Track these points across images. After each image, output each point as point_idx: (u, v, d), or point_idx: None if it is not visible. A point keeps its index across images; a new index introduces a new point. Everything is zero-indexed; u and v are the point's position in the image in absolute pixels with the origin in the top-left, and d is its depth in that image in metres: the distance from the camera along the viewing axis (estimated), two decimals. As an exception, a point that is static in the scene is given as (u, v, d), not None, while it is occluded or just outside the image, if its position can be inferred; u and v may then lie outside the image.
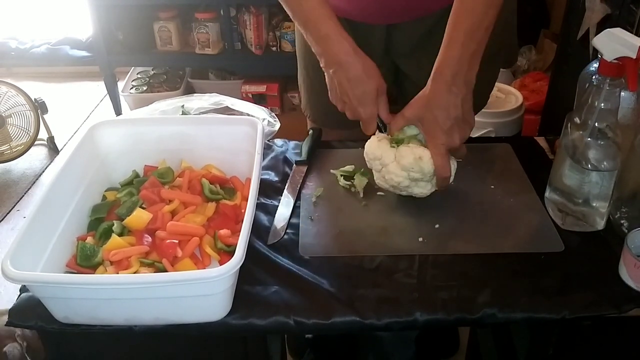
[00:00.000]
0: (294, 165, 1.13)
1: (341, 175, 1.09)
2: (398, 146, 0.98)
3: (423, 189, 1.00)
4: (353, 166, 1.10)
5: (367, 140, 1.03)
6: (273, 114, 1.26)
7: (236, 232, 0.89)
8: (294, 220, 1.00)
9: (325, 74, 1.04)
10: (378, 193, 1.05)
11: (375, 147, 0.98)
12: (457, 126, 0.95)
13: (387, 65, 1.25)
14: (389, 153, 0.97)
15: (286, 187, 1.06)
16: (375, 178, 1.02)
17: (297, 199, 1.03)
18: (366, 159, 1.01)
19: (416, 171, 0.96)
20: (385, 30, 1.18)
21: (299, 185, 1.07)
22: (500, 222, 0.99)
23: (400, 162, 0.96)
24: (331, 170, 1.11)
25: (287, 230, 0.98)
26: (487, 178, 1.09)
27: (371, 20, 1.16)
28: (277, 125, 1.22)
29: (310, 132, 1.21)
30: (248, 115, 1.21)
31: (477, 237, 0.95)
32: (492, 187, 1.07)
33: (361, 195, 1.05)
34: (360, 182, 1.06)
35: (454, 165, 0.98)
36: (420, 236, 0.95)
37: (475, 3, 0.93)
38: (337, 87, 1.02)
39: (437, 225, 0.98)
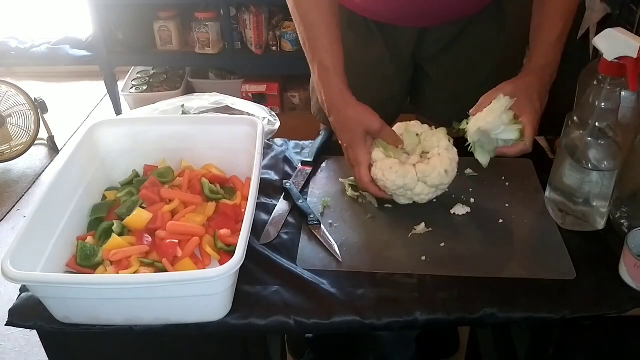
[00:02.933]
0: (299, 164, 1.13)
1: (349, 185, 1.07)
2: (414, 165, 0.96)
3: (442, 193, 1.01)
4: None
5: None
6: (273, 113, 1.26)
7: (236, 232, 0.89)
8: (294, 221, 1.00)
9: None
10: (386, 205, 1.03)
11: (395, 177, 0.95)
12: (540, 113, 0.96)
13: (410, 69, 1.25)
14: (410, 177, 0.95)
15: (289, 185, 1.06)
16: (396, 199, 1.00)
17: (299, 199, 1.02)
18: (388, 192, 0.98)
19: (445, 184, 0.97)
20: (417, 33, 1.17)
21: (301, 187, 1.07)
22: (510, 245, 0.94)
23: (428, 181, 0.95)
24: (340, 180, 1.09)
25: (287, 231, 0.98)
26: (502, 195, 1.04)
27: (404, 22, 1.15)
28: (277, 124, 1.22)
29: (322, 133, 1.20)
30: (248, 114, 1.21)
31: (483, 259, 0.91)
32: (507, 205, 1.02)
33: (375, 205, 1.03)
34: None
35: (451, 166, 0.97)
36: (424, 254, 0.92)
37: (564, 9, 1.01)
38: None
39: (442, 244, 0.94)
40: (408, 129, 1.01)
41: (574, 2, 1.02)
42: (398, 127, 1.02)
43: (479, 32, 1.17)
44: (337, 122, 1.01)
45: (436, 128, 1.02)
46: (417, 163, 0.97)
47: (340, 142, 1.02)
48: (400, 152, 1.00)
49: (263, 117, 1.20)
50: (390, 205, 1.03)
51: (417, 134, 1.01)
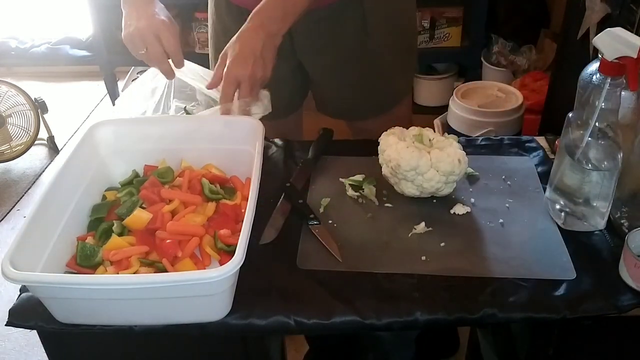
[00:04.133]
0: (300, 164, 1.13)
1: (349, 185, 1.07)
2: (429, 152, 0.98)
3: (451, 189, 1.02)
4: (363, 175, 1.08)
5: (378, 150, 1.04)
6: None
7: (236, 232, 0.89)
8: (293, 221, 1.00)
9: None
10: (386, 205, 1.03)
11: (410, 157, 0.96)
12: (254, 62, 1.01)
13: (291, 58, 1.29)
14: (424, 160, 0.96)
15: (288, 186, 1.06)
16: (403, 187, 1.01)
17: (298, 199, 1.02)
18: (397, 171, 0.98)
19: (456, 174, 0.98)
20: None
21: (301, 187, 1.07)
22: (510, 244, 0.93)
23: (440, 168, 0.97)
24: (340, 179, 1.09)
25: (287, 231, 0.98)
26: (503, 194, 1.04)
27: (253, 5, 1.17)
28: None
29: (321, 132, 1.20)
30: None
31: (484, 259, 0.91)
32: (507, 205, 1.01)
33: (376, 203, 1.03)
34: (370, 191, 1.05)
35: (464, 158, 0.99)
36: (424, 254, 0.92)
37: None
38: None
39: (443, 244, 0.94)
40: (422, 132, 1.04)
41: None
42: (413, 129, 1.05)
43: (344, 32, 1.22)
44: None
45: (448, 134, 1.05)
46: (431, 151, 0.99)
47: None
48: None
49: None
50: (390, 205, 1.03)
51: (430, 139, 1.03)
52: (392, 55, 1.29)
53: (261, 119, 1.09)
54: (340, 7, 1.19)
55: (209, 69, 1.27)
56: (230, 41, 1.04)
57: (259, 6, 1.05)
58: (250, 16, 1.04)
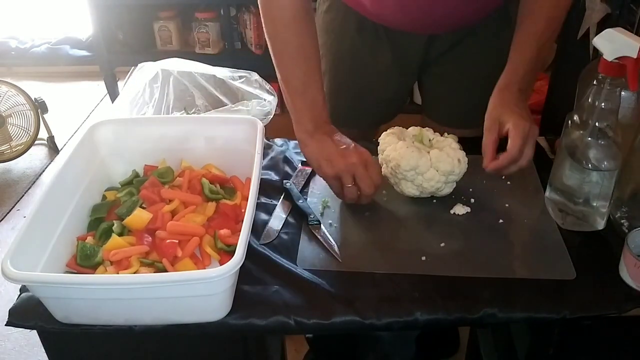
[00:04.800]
0: (299, 164, 1.13)
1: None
2: (429, 152, 0.98)
3: (451, 189, 1.02)
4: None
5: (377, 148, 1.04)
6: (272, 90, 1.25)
7: (236, 232, 0.89)
8: (294, 221, 1.00)
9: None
10: (386, 205, 1.03)
11: (409, 157, 0.96)
12: (529, 118, 0.95)
13: (415, 74, 1.27)
14: (424, 160, 0.97)
15: (289, 185, 1.05)
16: (403, 187, 1.01)
17: (299, 199, 1.02)
18: (397, 171, 0.98)
19: (456, 174, 0.98)
20: (426, 39, 1.19)
21: (301, 187, 1.07)
22: (510, 245, 0.94)
23: (440, 167, 0.97)
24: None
25: (287, 231, 0.98)
26: (502, 195, 1.04)
27: (414, 29, 1.16)
28: (275, 101, 1.22)
29: None
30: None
31: (483, 259, 0.91)
32: (507, 205, 1.01)
33: (385, 198, 1.03)
34: None
35: (463, 158, 0.99)
36: (424, 254, 0.91)
37: (539, 23, 1.00)
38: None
39: (442, 244, 0.94)
40: (422, 132, 1.04)
41: (558, 8, 1.02)
42: (413, 129, 1.05)
43: (484, 36, 1.18)
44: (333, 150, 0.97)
45: (447, 133, 1.05)
46: (431, 151, 0.99)
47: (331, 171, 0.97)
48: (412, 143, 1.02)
49: (264, 99, 1.21)
50: (390, 205, 1.03)
51: (430, 139, 1.04)
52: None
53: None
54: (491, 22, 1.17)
55: (242, 69, 1.24)
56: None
57: (519, 70, 1.01)
58: (509, 79, 1.00)
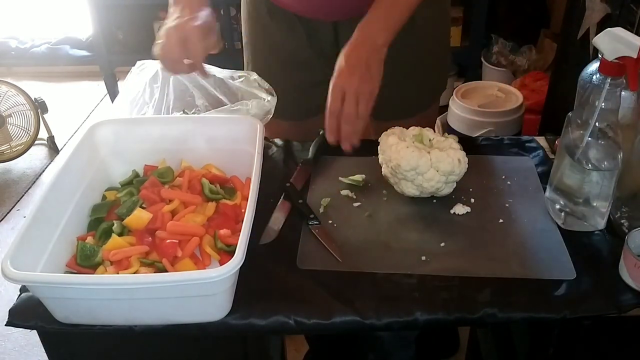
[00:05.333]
0: (299, 164, 1.13)
1: (347, 184, 1.07)
2: (429, 152, 0.98)
3: (451, 189, 1.02)
4: (363, 175, 1.08)
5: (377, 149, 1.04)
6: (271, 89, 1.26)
7: (236, 232, 0.89)
8: (294, 221, 1.00)
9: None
10: (386, 205, 1.03)
11: (410, 157, 0.96)
12: (360, 73, 0.98)
13: (332, 59, 1.26)
14: (424, 160, 0.96)
15: (288, 186, 1.06)
16: (403, 187, 1.01)
17: (299, 199, 1.02)
18: (397, 171, 0.98)
19: (456, 174, 0.98)
20: (332, 27, 1.21)
21: (301, 187, 1.07)
22: (510, 245, 0.93)
23: (440, 168, 0.97)
24: (339, 178, 1.09)
25: (287, 231, 0.98)
26: (503, 195, 1.04)
27: (317, 16, 1.19)
28: (275, 100, 1.22)
29: (321, 132, 1.20)
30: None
31: (483, 259, 0.90)
32: (507, 205, 1.01)
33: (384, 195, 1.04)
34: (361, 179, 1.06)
35: (464, 158, 0.99)
36: (424, 254, 0.91)
37: None
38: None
39: (442, 244, 0.94)
40: (422, 132, 1.04)
41: None
42: (413, 129, 1.05)
43: None
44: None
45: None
46: (431, 151, 0.99)
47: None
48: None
49: (264, 99, 1.21)
50: (390, 205, 1.03)
51: (430, 139, 1.04)
52: (431, 52, 1.28)
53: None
54: None
55: (242, 69, 1.27)
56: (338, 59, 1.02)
57: (362, 21, 1.02)
58: (355, 31, 1.02)
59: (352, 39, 1.02)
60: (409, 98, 1.30)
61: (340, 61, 1.00)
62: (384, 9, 1.03)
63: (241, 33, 2.78)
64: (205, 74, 1.07)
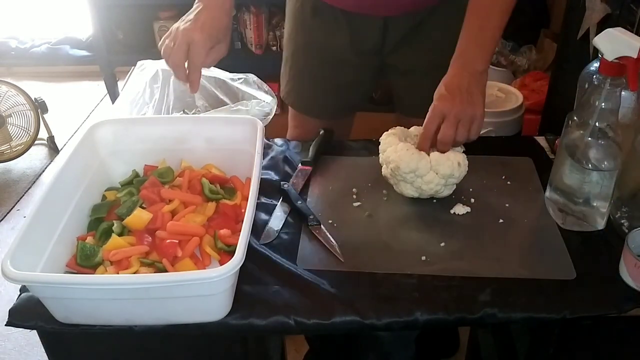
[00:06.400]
0: (299, 164, 1.13)
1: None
2: (429, 154, 0.98)
3: (450, 190, 1.02)
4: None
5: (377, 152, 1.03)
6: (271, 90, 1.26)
7: (236, 232, 0.89)
8: (294, 221, 1.00)
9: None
10: (386, 205, 1.03)
11: (409, 159, 0.96)
12: (461, 97, 0.97)
13: (375, 60, 1.27)
14: (423, 163, 0.96)
15: (287, 187, 1.06)
16: (402, 188, 1.01)
17: (298, 200, 1.02)
18: (396, 172, 0.98)
19: (456, 177, 0.98)
20: (382, 23, 1.19)
21: (301, 187, 1.07)
22: (510, 245, 0.94)
23: (439, 171, 0.97)
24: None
25: (287, 231, 0.98)
26: (503, 195, 1.04)
27: (371, 11, 1.17)
28: (274, 102, 1.22)
29: (321, 132, 1.20)
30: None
31: (483, 259, 0.90)
32: (507, 205, 1.01)
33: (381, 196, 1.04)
34: None
35: (464, 161, 0.99)
36: (424, 254, 0.91)
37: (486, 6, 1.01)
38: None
39: (442, 244, 0.94)
40: None
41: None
42: (415, 129, 1.05)
43: (442, 20, 1.19)
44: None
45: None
46: (431, 153, 0.99)
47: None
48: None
49: (264, 100, 1.21)
50: (390, 205, 1.03)
51: None
52: None
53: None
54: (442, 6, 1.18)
55: (242, 69, 1.26)
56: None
57: (458, 48, 1.02)
58: (452, 60, 1.02)
59: (451, 68, 1.01)
60: None
61: (440, 88, 0.99)
62: (474, 35, 1.02)
63: (242, 33, 2.79)
64: (193, 90, 1.03)
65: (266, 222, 0.99)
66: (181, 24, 1.02)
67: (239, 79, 1.27)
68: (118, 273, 0.85)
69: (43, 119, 2.69)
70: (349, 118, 1.42)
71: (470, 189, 1.05)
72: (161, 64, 1.26)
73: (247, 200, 0.85)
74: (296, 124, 1.40)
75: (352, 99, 1.35)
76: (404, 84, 1.30)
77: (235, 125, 1.05)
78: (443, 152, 0.98)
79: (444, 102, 0.97)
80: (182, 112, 1.26)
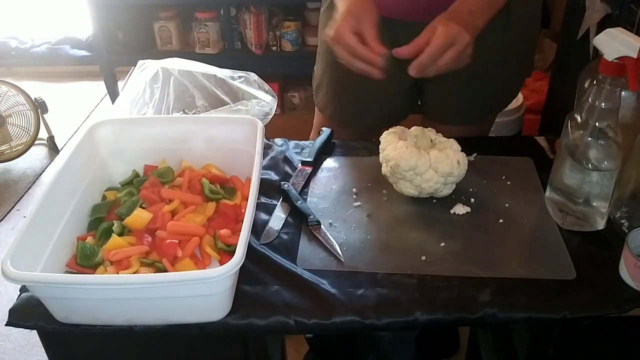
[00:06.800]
0: (299, 164, 1.13)
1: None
2: (428, 152, 0.98)
3: (450, 190, 1.02)
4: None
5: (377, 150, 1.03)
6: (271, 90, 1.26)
7: (236, 232, 0.89)
8: (294, 221, 1.00)
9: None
10: (386, 204, 1.03)
11: (409, 157, 0.96)
12: (456, 22, 0.95)
13: (412, 82, 1.25)
14: (423, 161, 0.96)
15: (287, 187, 1.06)
16: (401, 186, 1.01)
17: (298, 200, 1.02)
18: (395, 170, 0.98)
19: (455, 175, 0.98)
20: (422, 29, 1.18)
21: (301, 187, 1.07)
22: (510, 245, 0.94)
23: (439, 169, 0.97)
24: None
25: (287, 231, 0.98)
26: (502, 195, 1.03)
27: (412, 17, 1.15)
28: (274, 102, 1.22)
29: (322, 132, 1.20)
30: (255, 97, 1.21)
31: (483, 259, 0.90)
32: (507, 205, 1.01)
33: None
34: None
35: (463, 160, 0.99)
36: (424, 254, 0.91)
37: None
38: None
39: (442, 244, 0.94)
40: (424, 133, 1.04)
41: None
42: (415, 129, 1.05)
43: (481, 32, 1.17)
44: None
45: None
46: (431, 151, 0.99)
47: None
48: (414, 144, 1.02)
49: (264, 100, 1.21)
50: (390, 205, 1.03)
51: (432, 139, 1.03)
52: (520, 56, 1.24)
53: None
54: None
55: (242, 69, 1.25)
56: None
57: (461, 3, 1.00)
58: (451, 8, 0.99)
59: (450, 12, 0.99)
60: (484, 101, 1.26)
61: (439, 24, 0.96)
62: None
63: (242, 33, 2.78)
64: (381, 75, 0.99)
65: (266, 222, 0.99)
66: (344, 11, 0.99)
67: (239, 77, 1.26)
68: (118, 273, 0.85)
69: (43, 119, 2.69)
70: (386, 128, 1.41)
71: (470, 189, 1.05)
72: (161, 63, 1.26)
73: (247, 200, 0.85)
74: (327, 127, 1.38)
75: (395, 111, 1.33)
76: (439, 91, 1.27)
77: (235, 125, 1.05)
78: (421, 69, 0.96)
79: (455, 27, 0.94)
80: (182, 112, 1.26)
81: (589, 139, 0.88)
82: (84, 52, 3.34)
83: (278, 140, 1.21)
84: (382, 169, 1.03)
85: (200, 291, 0.77)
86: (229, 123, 1.07)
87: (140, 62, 1.28)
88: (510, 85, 1.31)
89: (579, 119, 0.89)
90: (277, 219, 1.00)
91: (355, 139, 1.22)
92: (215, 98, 1.26)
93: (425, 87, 1.30)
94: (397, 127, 1.06)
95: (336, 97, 1.31)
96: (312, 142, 1.17)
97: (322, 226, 0.97)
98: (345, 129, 1.29)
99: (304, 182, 1.08)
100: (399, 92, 1.29)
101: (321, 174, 1.12)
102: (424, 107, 1.34)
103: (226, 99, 1.26)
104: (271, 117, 1.20)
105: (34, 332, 0.85)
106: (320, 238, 0.95)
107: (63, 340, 0.88)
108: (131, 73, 1.28)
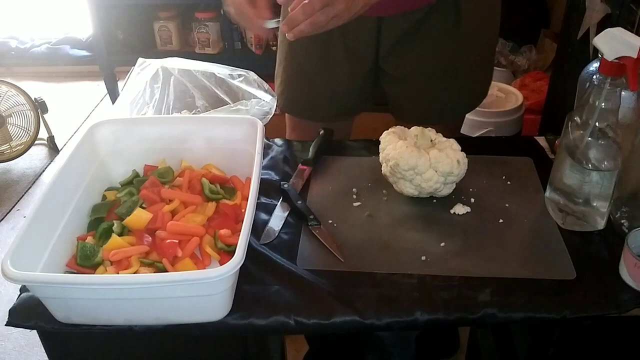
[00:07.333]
0: (299, 164, 1.13)
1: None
2: (428, 152, 0.98)
3: (450, 189, 1.02)
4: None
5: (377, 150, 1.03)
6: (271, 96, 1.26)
7: (236, 232, 0.89)
8: (294, 221, 1.00)
9: None
10: (386, 204, 1.03)
11: (409, 156, 0.96)
12: None
13: (368, 62, 1.26)
14: (423, 160, 0.96)
15: (287, 187, 1.06)
16: (401, 186, 1.01)
17: (298, 200, 1.02)
18: (395, 170, 0.99)
19: (455, 175, 0.98)
20: (376, 24, 1.18)
21: (301, 187, 1.07)
22: (510, 245, 0.93)
23: (439, 168, 0.97)
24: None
25: (287, 231, 0.98)
26: (502, 195, 1.03)
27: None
28: (274, 101, 1.22)
29: (321, 132, 1.20)
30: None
31: (483, 259, 0.90)
32: (507, 205, 1.01)
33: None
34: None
35: (463, 159, 0.99)
36: (424, 254, 0.91)
37: None
38: None
39: (442, 244, 0.94)
40: (424, 132, 1.04)
41: None
42: (415, 129, 1.05)
43: (434, 26, 1.17)
44: None
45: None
46: (431, 151, 0.99)
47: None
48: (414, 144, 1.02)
49: (263, 99, 1.21)
50: (390, 205, 1.03)
51: (432, 140, 1.03)
52: (478, 55, 1.25)
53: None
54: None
55: (242, 69, 1.25)
56: None
57: None
58: None
59: None
60: (448, 101, 1.26)
61: None
62: None
63: (242, 33, 2.78)
64: (268, 34, 1.00)
65: (266, 222, 0.99)
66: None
67: (239, 75, 1.26)
68: (118, 273, 0.85)
69: (43, 119, 2.69)
70: (348, 122, 1.42)
71: (470, 189, 1.05)
72: (161, 62, 1.26)
73: (247, 200, 0.85)
74: (292, 126, 1.40)
75: (348, 104, 1.34)
76: (400, 91, 1.29)
77: (235, 125, 1.05)
78: (291, 24, 0.92)
79: None
80: (182, 112, 1.26)
81: (589, 139, 0.88)
82: (84, 52, 3.35)
83: (278, 140, 1.21)
84: (382, 168, 1.04)
85: (200, 291, 0.77)
86: (229, 123, 1.07)
87: (140, 60, 1.28)
88: (473, 86, 1.31)
89: (579, 119, 0.89)
90: (277, 219, 1.00)
91: (314, 130, 1.21)
92: (215, 98, 1.26)
93: (387, 88, 1.32)
94: (397, 127, 1.07)
95: (288, 87, 1.34)
96: (312, 142, 1.17)
97: (322, 226, 0.97)
98: (301, 121, 1.30)
99: (304, 182, 1.08)
100: (351, 88, 1.29)
101: (321, 174, 1.12)
102: (391, 107, 1.36)
103: (226, 98, 1.25)
104: (271, 116, 1.20)
105: (34, 332, 0.85)
106: (320, 238, 0.95)
107: (63, 340, 0.88)
108: (131, 72, 1.28)
